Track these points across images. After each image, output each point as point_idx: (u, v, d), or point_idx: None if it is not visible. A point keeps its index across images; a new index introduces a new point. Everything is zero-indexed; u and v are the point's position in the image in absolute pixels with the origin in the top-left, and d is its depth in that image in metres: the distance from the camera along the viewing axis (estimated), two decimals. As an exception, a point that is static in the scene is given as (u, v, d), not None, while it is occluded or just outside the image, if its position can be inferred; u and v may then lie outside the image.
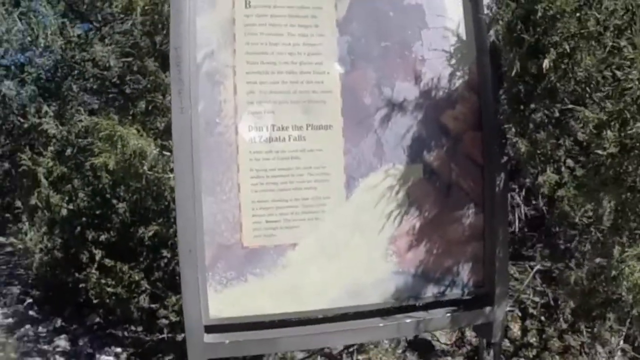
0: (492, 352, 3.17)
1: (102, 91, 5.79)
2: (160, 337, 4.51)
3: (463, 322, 2.86)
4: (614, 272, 2.31)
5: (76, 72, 5.88)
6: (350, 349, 4.05)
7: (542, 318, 4.23)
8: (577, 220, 2.49)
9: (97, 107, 5.77)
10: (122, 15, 4.72)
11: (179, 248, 2.42)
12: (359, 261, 2.57)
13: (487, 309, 2.72)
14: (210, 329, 2.47)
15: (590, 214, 2.45)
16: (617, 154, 2.23)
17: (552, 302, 4.12)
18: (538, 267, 4.07)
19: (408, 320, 2.63)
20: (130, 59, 4.80)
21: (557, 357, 4.07)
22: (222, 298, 2.45)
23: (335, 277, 2.55)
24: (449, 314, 2.69)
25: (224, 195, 2.44)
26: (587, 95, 2.37)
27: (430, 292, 2.67)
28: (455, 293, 2.70)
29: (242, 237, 2.46)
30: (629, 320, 3.24)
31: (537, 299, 4.22)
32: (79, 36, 5.73)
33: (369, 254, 2.58)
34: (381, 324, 2.62)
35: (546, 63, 2.33)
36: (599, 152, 2.24)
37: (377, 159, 2.57)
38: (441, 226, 2.64)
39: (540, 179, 2.48)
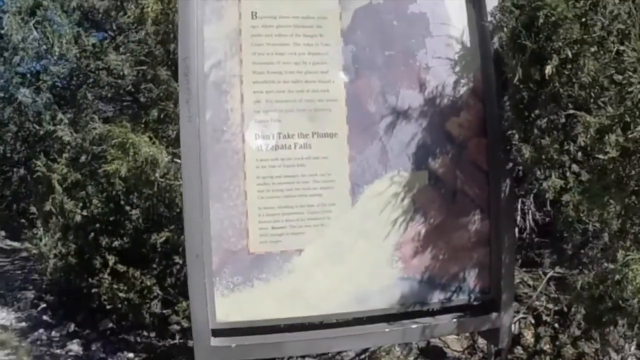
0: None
1: (117, 99, 5.85)
2: (172, 342, 4.56)
3: (469, 328, 2.88)
4: (617, 277, 2.31)
5: (91, 80, 5.94)
6: (362, 356, 4.06)
7: (556, 325, 4.20)
8: (582, 225, 2.49)
9: (111, 115, 5.82)
10: (135, 25, 4.78)
11: (187, 253, 2.45)
12: (364, 267, 2.59)
13: (494, 314, 2.72)
14: (217, 332, 2.50)
15: (596, 218, 2.45)
16: (619, 158, 2.24)
17: (565, 309, 4.09)
18: (551, 273, 4.05)
19: (414, 326, 2.64)
20: (144, 67, 4.85)
21: (571, 364, 4.05)
22: (229, 302, 2.49)
23: (341, 282, 2.57)
24: (455, 320, 2.70)
25: (230, 202, 2.48)
26: (592, 101, 2.37)
27: (437, 298, 2.68)
28: (461, 299, 2.71)
29: (248, 243, 2.49)
30: (637, 325, 3.23)
31: (550, 305, 4.20)
32: (93, 45, 5.80)
33: (374, 260, 2.60)
34: (387, 329, 2.63)
35: (549, 69, 2.34)
36: (601, 156, 2.25)
37: (382, 166, 2.59)
38: (447, 232, 2.65)
39: (545, 184, 2.48)
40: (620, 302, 2.55)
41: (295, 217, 2.52)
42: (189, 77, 2.44)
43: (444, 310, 2.72)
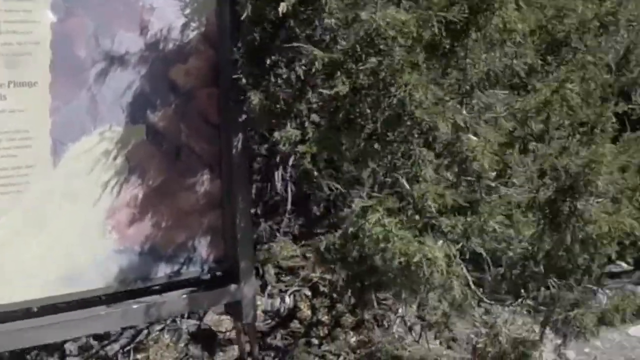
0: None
1: None
2: None
3: (205, 304, 2.71)
4: (352, 229, 2.06)
5: None
6: (127, 348, 3.73)
7: (334, 295, 4.08)
8: (318, 177, 2.27)
9: None
10: None
11: None
12: (73, 240, 2.25)
13: (233, 286, 2.51)
14: None
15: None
16: (350, 94, 2.02)
17: (342, 279, 3.96)
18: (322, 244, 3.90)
19: (135, 306, 2.36)
20: None
21: (350, 332, 3.94)
22: None
23: (46, 260, 2.21)
24: (185, 296, 2.45)
25: None
26: (334, 44, 2.15)
27: (162, 272, 2.42)
28: (193, 271, 2.48)
29: None
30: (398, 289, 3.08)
31: (328, 276, 4.07)
32: None
33: (84, 231, 2.26)
34: (103, 312, 2.32)
35: (283, 6, 2.12)
36: (327, 91, 2.04)
37: (91, 120, 2.25)
38: (170, 195, 2.39)
39: (277, 135, 2.21)
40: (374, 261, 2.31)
41: (-15, 184, 2.12)
42: None
43: (174, 285, 2.46)
